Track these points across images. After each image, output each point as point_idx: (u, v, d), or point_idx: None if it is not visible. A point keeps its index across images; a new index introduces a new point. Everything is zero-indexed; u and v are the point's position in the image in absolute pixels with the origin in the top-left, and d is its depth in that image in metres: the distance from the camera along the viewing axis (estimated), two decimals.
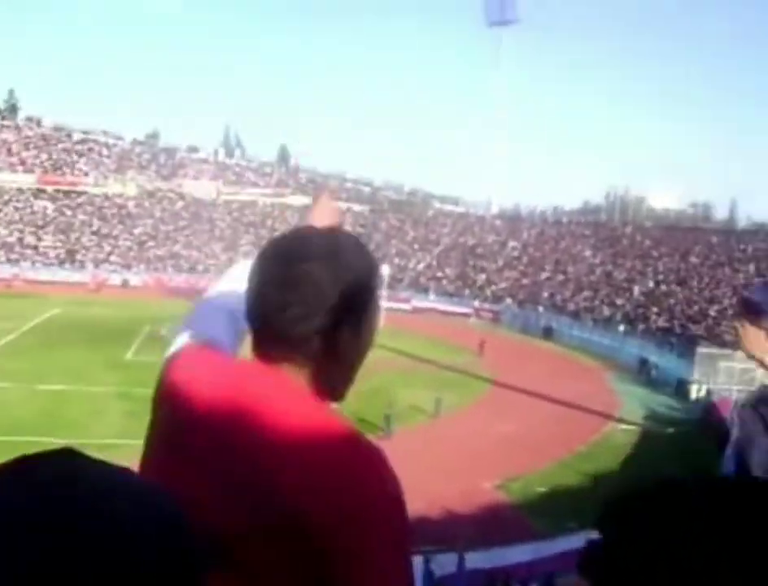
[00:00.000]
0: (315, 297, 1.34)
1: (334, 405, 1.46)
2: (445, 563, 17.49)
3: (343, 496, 1.21)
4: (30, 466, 0.69)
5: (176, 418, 1.43)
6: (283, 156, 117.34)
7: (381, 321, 2.12)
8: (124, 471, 0.72)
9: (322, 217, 1.94)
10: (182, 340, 1.67)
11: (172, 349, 1.65)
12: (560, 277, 65.50)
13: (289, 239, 1.44)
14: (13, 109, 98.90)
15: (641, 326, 51.02)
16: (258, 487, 1.25)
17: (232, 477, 1.28)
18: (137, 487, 0.71)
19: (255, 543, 1.24)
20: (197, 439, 1.36)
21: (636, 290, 58.05)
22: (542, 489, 24.09)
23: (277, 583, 1.23)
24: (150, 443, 1.47)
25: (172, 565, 0.64)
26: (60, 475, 0.68)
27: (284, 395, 1.34)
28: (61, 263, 72.31)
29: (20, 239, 74.50)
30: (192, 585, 0.67)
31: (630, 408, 34.91)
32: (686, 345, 43.41)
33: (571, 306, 59.23)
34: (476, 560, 17.66)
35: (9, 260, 70.57)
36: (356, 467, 1.26)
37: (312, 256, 1.37)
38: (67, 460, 0.71)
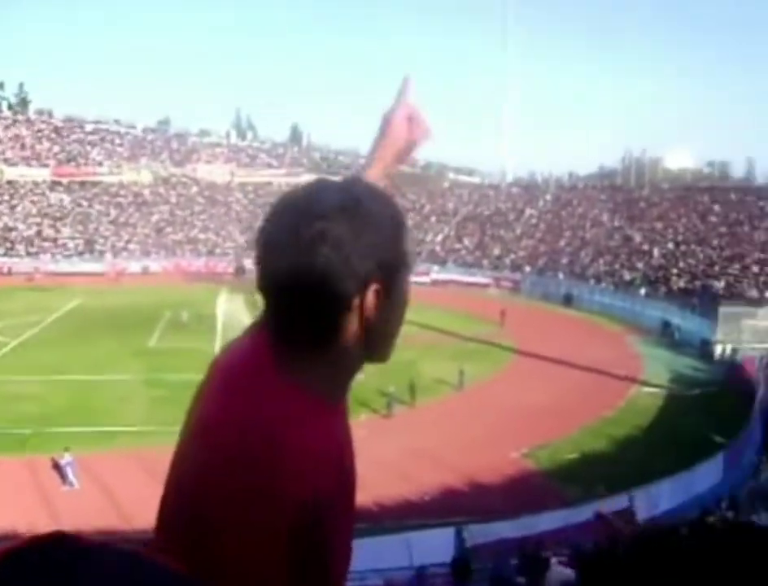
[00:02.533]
0: (334, 260, 1.17)
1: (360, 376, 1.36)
2: (476, 533, 17.59)
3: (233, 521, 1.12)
4: (22, 561, 0.63)
5: (196, 392, 1.37)
6: (295, 136, 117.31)
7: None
8: (129, 557, 0.65)
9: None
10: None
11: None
12: (579, 242, 65.11)
13: (300, 193, 1.28)
14: (24, 103, 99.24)
15: (662, 288, 50.73)
16: (193, 478, 1.19)
17: (185, 459, 1.24)
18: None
19: (183, 531, 1.17)
20: (194, 427, 1.28)
21: (656, 252, 57.65)
22: (570, 456, 24.12)
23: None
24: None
25: None
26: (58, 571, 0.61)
27: (260, 395, 1.21)
28: (80, 254, 72.75)
29: (39, 232, 74.92)
30: None
31: (655, 371, 34.81)
32: (708, 305, 43.06)
33: (591, 271, 58.98)
34: (505, 529, 17.73)
35: (29, 254, 71.06)
36: (254, 492, 1.12)
37: (328, 211, 1.19)
38: (63, 552, 0.65)
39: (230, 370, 1.29)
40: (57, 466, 22.00)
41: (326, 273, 1.16)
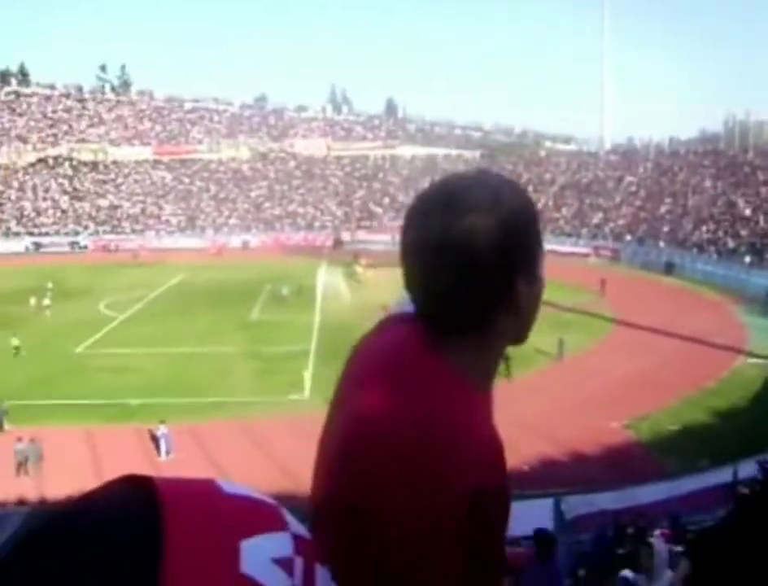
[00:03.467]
0: (486, 256, 1.22)
1: None
2: (575, 505, 17.55)
3: (409, 505, 1.15)
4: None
5: (339, 382, 1.40)
6: (390, 108, 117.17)
7: None
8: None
9: None
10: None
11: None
12: (680, 210, 63.52)
13: (441, 191, 1.29)
14: (126, 84, 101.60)
15: None
16: (352, 465, 1.23)
17: (340, 448, 1.27)
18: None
19: (338, 518, 1.21)
20: (340, 407, 1.34)
21: (761, 218, 55.87)
22: (671, 427, 23.73)
23: (348, 558, 1.18)
24: None
25: None
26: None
27: (407, 381, 1.26)
28: (182, 230, 74.54)
29: (143, 210, 77.11)
30: None
31: (760, 342, 33.78)
32: None
33: (693, 239, 57.57)
34: (605, 500, 17.63)
35: (134, 231, 73.25)
36: (435, 476, 1.16)
37: (474, 207, 1.23)
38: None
39: (386, 361, 1.31)
40: (154, 437, 22.76)
41: (479, 265, 1.22)
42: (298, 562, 0.74)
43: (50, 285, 44.19)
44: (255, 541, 0.71)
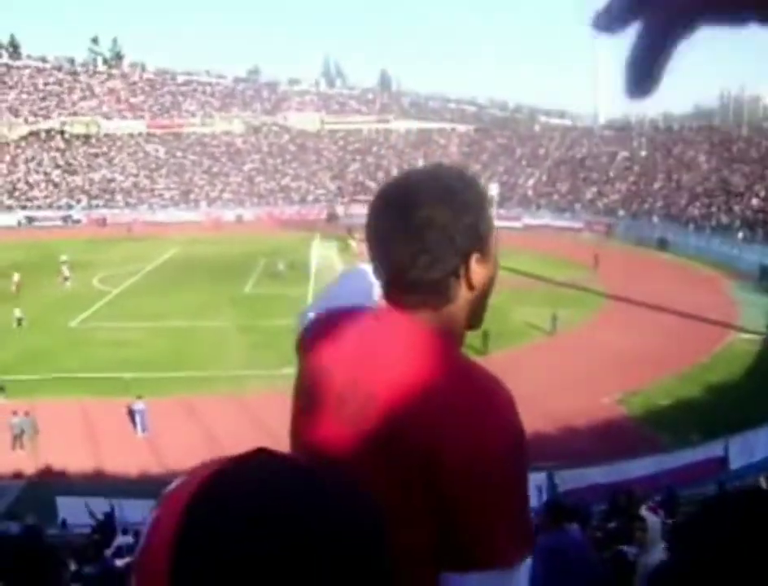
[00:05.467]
0: (441, 241, 1.39)
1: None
2: (567, 479, 17.67)
3: (466, 445, 1.26)
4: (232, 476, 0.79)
5: (313, 372, 1.52)
6: (384, 82, 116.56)
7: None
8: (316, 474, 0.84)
9: None
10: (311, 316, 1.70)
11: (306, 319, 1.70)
12: (674, 185, 63.51)
13: (400, 186, 1.47)
14: (118, 57, 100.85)
15: (761, 232, 49.21)
16: (385, 434, 1.32)
17: (361, 423, 1.36)
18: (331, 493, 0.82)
19: (381, 486, 1.25)
20: (331, 388, 1.44)
21: (755, 194, 55.83)
22: (663, 402, 23.85)
23: (401, 526, 1.24)
24: (295, 396, 1.60)
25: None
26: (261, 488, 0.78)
27: (411, 343, 1.40)
28: (176, 203, 74.29)
29: (136, 184, 76.76)
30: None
31: (752, 317, 33.92)
32: None
33: (687, 214, 57.54)
34: (597, 474, 17.75)
35: (127, 205, 72.93)
36: (479, 414, 1.29)
37: (430, 200, 1.40)
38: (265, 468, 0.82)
39: (389, 344, 1.43)
40: (131, 412, 22.74)
41: (437, 253, 1.40)
42: None
43: (64, 257, 44.20)
44: None
